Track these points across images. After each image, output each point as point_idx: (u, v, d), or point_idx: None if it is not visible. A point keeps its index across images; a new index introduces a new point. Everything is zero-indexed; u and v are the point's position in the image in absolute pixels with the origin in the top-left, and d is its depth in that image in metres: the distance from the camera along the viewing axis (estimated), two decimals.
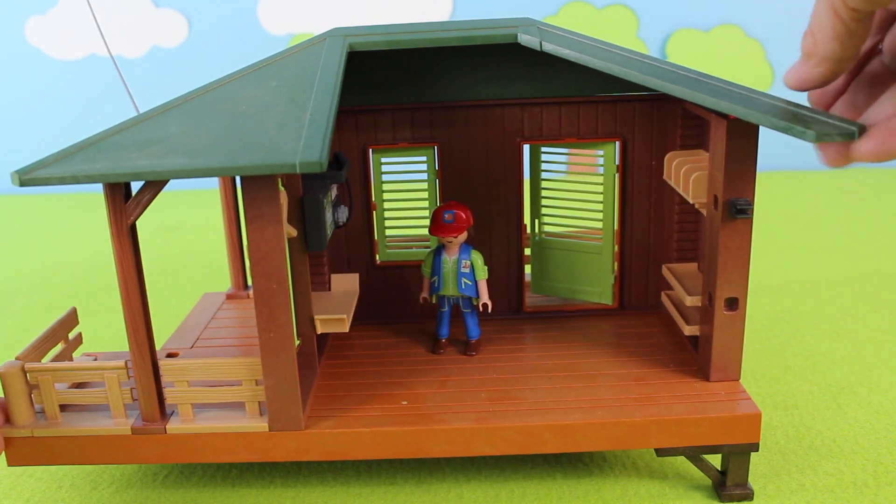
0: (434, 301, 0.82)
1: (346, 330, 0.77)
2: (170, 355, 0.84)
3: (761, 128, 0.65)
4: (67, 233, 1.72)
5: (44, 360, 0.73)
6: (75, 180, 0.56)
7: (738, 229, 0.69)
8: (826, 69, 0.42)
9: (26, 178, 0.56)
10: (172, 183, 0.64)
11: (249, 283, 1.01)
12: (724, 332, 0.72)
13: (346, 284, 0.86)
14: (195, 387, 0.69)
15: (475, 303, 0.81)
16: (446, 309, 0.83)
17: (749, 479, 0.71)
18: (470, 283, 0.80)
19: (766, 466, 0.76)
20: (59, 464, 0.70)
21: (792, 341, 1.04)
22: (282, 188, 0.62)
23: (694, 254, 0.87)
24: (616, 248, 0.88)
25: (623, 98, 0.84)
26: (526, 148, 0.87)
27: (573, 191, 0.88)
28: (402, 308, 0.92)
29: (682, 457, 0.74)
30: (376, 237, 0.90)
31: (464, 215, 0.79)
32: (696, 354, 0.78)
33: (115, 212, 0.62)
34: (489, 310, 0.81)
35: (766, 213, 1.64)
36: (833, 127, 0.59)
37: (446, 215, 0.78)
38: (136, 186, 0.63)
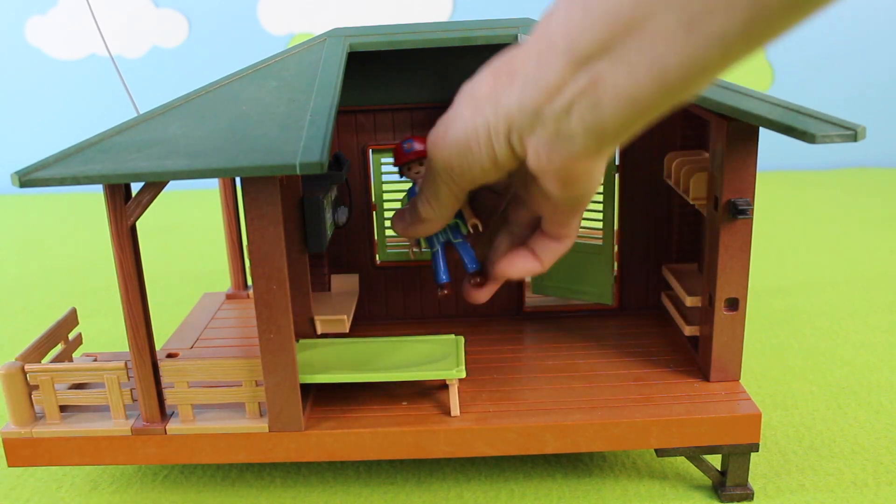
0: (424, 248, 0.75)
1: (347, 330, 0.77)
2: (170, 356, 0.84)
3: (761, 128, 0.65)
4: (67, 233, 1.72)
5: (44, 361, 0.73)
6: (75, 181, 0.56)
7: (738, 229, 0.69)
8: (433, 229, 0.64)
9: (26, 179, 0.56)
10: (172, 183, 0.64)
11: (249, 283, 1.01)
12: (724, 333, 0.72)
13: (346, 285, 0.86)
14: (195, 387, 0.69)
15: (464, 230, 0.73)
16: (437, 248, 0.75)
17: (749, 479, 0.71)
18: None
19: (766, 466, 0.76)
20: (60, 464, 0.70)
21: (792, 341, 1.04)
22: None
23: (694, 254, 0.87)
24: (616, 248, 0.88)
25: None
26: None
27: None
28: (402, 308, 0.92)
29: (683, 457, 0.74)
30: (376, 237, 0.90)
31: (422, 142, 0.71)
32: (696, 355, 0.78)
33: (115, 213, 0.62)
34: (480, 229, 0.71)
35: (766, 213, 1.64)
36: (833, 127, 0.60)
37: (405, 144, 0.72)
38: (135, 187, 0.63)
